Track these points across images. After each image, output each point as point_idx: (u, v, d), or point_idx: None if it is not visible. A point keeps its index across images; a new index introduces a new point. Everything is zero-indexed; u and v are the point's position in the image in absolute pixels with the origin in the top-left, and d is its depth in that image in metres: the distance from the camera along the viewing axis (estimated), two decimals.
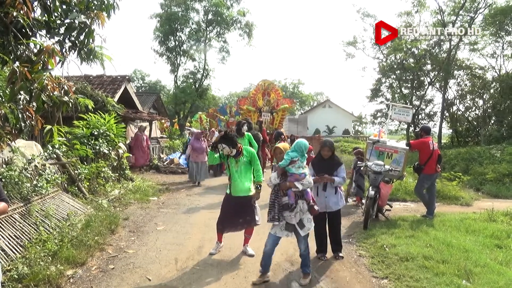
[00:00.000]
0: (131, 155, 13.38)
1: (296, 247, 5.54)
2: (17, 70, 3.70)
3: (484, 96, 27.27)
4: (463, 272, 4.39)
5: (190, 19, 32.67)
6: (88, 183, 8.16)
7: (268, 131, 15.82)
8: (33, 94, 4.14)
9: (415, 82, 30.94)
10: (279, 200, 4.16)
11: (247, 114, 17.91)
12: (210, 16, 32.39)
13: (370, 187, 6.82)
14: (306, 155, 4.28)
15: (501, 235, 6.02)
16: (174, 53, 33.42)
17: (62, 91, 4.74)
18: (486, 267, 4.54)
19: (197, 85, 33.79)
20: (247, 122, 6.43)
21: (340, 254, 5.21)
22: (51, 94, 4.36)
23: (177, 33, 32.80)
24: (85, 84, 12.93)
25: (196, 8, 32.56)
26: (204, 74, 33.91)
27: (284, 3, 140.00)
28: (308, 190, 4.25)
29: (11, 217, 4.94)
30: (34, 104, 4.30)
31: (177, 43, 33.16)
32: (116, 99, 14.59)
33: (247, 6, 70.98)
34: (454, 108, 29.37)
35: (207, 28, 33.09)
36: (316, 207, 4.26)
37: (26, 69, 3.78)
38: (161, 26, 31.81)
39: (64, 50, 4.92)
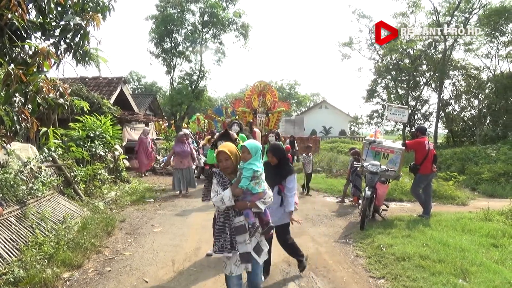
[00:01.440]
0: (135, 159, 13.25)
1: None
2: (12, 72, 3.69)
3: (479, 96, 27.44)
4: (460, 271, 4.41)
5: (185, 21, 32.67)
6: (84, 186, 8.14)
7: (263, 132, 15.80)
8: (28, 96, 4.13)
9: (411, 82, 31.06)
10: (230, 222, 3.13)
11: (243, 116, 17.89)
12: (206, 18, 32.39)
13: (367, 188, 6.85)
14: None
15: (497, 234, 6.05)
16: (170, 54, 33.41)
17: (58, 93, 4.73)
18: (482, 266, 4.56)
19: (193, 87, 33.77)
20: (237, 122, 6.24)
21: (303, 263, 4.52)
22: (47, 96, 4.35)
23: (173, 35, 32.80)
24: (81, 86, 12.93)
25: (191, 9, 32.57)
26: (200, 75, 33.90)
27: (280, 4, 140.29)
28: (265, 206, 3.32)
29: (6, 220, 4.92)
30: (30, 106, 4.29)
31: (172, 44, 33.15)
32: (112, 101, 14.59)
33: (243, 8, 71.00)
34: (450, 108, 29.51)
35: (203, 30, 33.09)
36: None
37: (21, 71, 3.77)
38: (157, 28, 31.79)
39: (59, 52, 4.91)
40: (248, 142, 3.30)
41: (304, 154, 10.81)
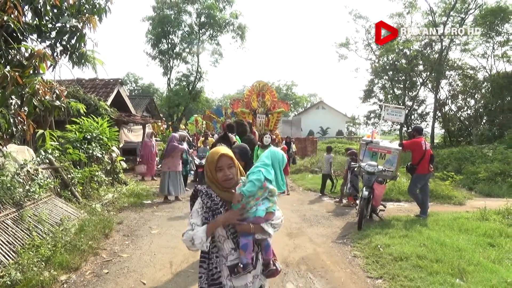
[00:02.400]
0: (142, 165, 13.01)
1: (291, 248, 5.57)
2: (8, 74, 3.68)
3: (476, 96, 27.57)
4: (457, 271, 4.42)
5: (182, 22, 32.73)
6: (81, 188, 8.11)
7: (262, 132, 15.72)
8: (24, 98, 4.12)
9: (408, 82, 31.16)
10: (220, 260, 2.21)
11: (242, 116, 17.84)
12: (202, 19, 32.45)
13: (364, 188, 6.86)
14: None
15: (494, 234, 6.07)
16: (167, 56, 33.45)
17: (54, 96, 4.72)
18: (479, 266, 4.57)
19: (190, 88, 33.80)
20: (234, 125, 5.57)
21: None
22: (43, 98, 4.35)
23: (170, 36, 32.84)
24: (78, 88, 12.90)
25: (188, 10, 32.66)
26: (197, 76, 33.95)
27: (276, 5, 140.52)
28: (269, 238, 2.28)
29: (3, 223, 4.89)
30: (26, 108, 4.28)
31: (169, 45, 33.18)
32: (108, 102, 14.56)
33: (239, 9, 71.07)
34: (446, 108, 29.62)
35: (200, 31, 33.14)
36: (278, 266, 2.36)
37: (17, 73, 3.76)
38: (154, 29, 31.83)
39: (55, 54, 4.91)
40: (270, 149, 2.45)
41: (325, 154, 10.82)
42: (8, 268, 4.15)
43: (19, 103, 4.28)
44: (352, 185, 8.92)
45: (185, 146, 10.31)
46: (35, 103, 4.19)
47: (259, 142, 8.54)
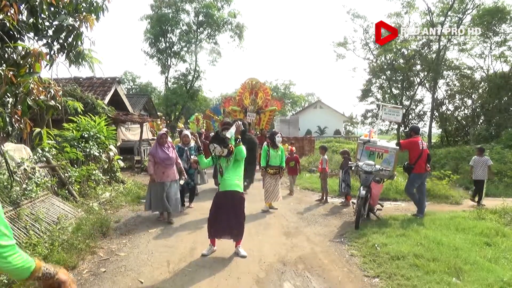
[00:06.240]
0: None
1: (289, 247, 5.58)
2: (2, 73, 3.66)
3: (473, 96, 27.66)
4: (453, 269, 4.43)
5: (180, 21, 32.72)
6: (78, 186, 8.09)
7: (254, 132, 15.49)
8: (18, 98, 4.10)
9: (405, 82, 31.19)
10: None
11: (233, 115, 17.69)
12: (200, 18, 32.44)
13: (361, 187, 6.87)
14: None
15: (490, 233, 6.10)
16: (164, 54, 33.42)
17: (49, 95, 4.70)
18: (475, 265, 4.59)
19: (188, 87, 33.76)
20: (229, 124, 5.17)
21: None
22: (37, 98, 4.33)
23: (168, 35, 32.81)
24: (75, 87, 12.87)
25: (186, 9, 32.63)
26: (195, 75, 33.92)
27: (274, 4, 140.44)
28: None
29: None
30: (21, 107, 4.26)
31: (167, 44, 33.16)
32: (106, 101, 14.54)
33: (237, 8, 71.06)
34: (444, 108, 29.71)
35: (198, 30, 33.12)
36: None
37: (11, 73, 3.75)
38: (152, 28, 31.79)
39: (52, 52, 4.88)
40: None
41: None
42: None
43: (13, 102, 4.27)
44: (347, 184, 8.94)
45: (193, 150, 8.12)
46: (29, 103, 4.17)
47: (269, 141, 8.37)
